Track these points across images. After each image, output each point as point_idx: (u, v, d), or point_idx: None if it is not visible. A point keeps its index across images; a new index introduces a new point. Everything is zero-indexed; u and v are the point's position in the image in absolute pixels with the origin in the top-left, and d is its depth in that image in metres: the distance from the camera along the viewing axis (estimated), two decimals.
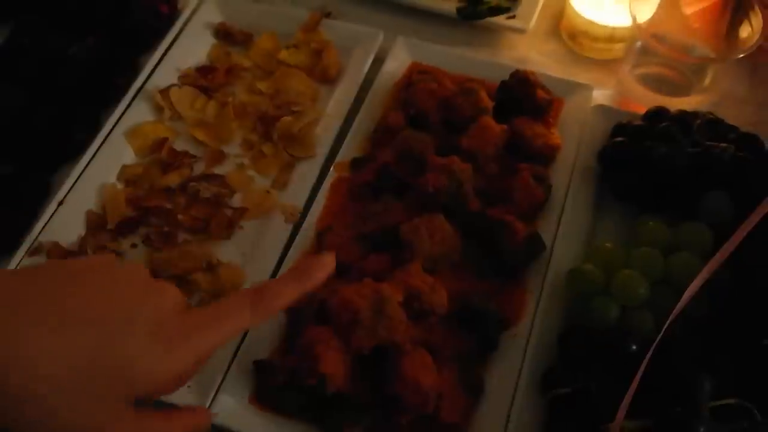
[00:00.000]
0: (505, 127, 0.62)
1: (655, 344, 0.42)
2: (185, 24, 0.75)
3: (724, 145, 0.53)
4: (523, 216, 0.59)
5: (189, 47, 0.74)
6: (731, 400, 0.44)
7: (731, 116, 0.65)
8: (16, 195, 0.62)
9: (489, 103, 0.64)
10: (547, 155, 0.64)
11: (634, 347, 0.47)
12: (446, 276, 0.56)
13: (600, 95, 0.70)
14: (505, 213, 0.58)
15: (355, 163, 0.64)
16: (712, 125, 0.57)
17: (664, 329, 0.43)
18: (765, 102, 0.69)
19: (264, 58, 0.74)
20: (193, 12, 0.76)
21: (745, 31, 0.61)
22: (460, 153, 0.60)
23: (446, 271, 0.56)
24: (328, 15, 0.78)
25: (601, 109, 0.66)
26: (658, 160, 0.55)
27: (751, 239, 0.48)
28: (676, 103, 0.63)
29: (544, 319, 0.54)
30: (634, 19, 0.61)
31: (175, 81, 0.71)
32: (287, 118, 0.68)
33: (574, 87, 0.69)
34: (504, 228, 0.56)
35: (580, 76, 0.72)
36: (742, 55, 0.59)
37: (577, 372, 0.48)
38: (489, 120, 0.61)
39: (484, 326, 0.53)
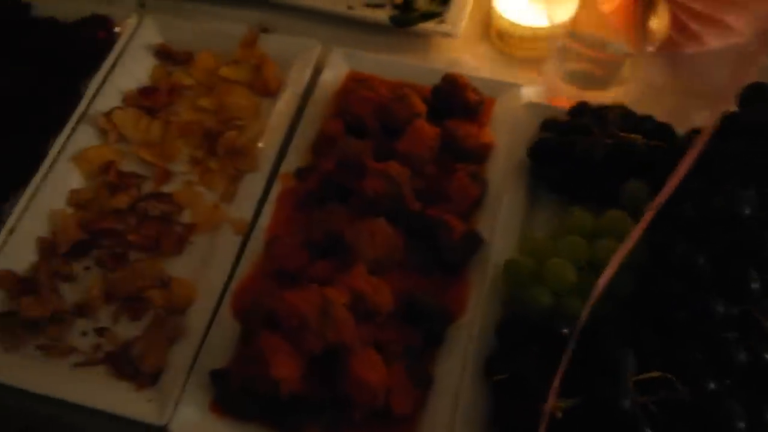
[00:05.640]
0: (438, 129, 0.65)
1: (578, 326, 0.46)
2: (125, 47, 0.76)
3: (633, 135, 0.57)
4: (462, 213, 0.62)
5: (130, 69, 0.75)
6: (655, 374, 0.47)
7: (654, 106, 0.70)
8: None
9: (422, 107, 0.67)
10: (481, 153, 0.67)
11: (565, 330, 0.50)
12: (392, 276, 0.59)
13: (530, 92, 0.73)
14: (443, 212, 0.61)
15: (299, 174, 0.66)
16: (625, 117, 0.61)
17: (586, 309, 0.46)
18: (683, 91, 0.74)
19: (205, 75, 0.76)
20: (132, 35, 0.77)
21: (654, 25, 0.65)
22: (397, 157, 0.63)
23: (392, 271, 0.59)
24: (265, 30, 0.80)
25: (530, 106, 0.69)
26: (578, 153, 0.58)
27: (663, 219, 0.51)
28: (599, 97, 0.67)
29: (485, 310, 0.57)
30: (551, 20, 0.64)
31: (118, 103, 0.73)
32: (231, 133, 0.70)
33: (503, 87, 0.72)
34: (442, 226, 0.59)
35: (511, 75, 0.76)
36: (652, 48, 0.63)
37: (515, 358, 0.52)
38: (423, 123, 0.64)
39: (428, 321, 0.56)
